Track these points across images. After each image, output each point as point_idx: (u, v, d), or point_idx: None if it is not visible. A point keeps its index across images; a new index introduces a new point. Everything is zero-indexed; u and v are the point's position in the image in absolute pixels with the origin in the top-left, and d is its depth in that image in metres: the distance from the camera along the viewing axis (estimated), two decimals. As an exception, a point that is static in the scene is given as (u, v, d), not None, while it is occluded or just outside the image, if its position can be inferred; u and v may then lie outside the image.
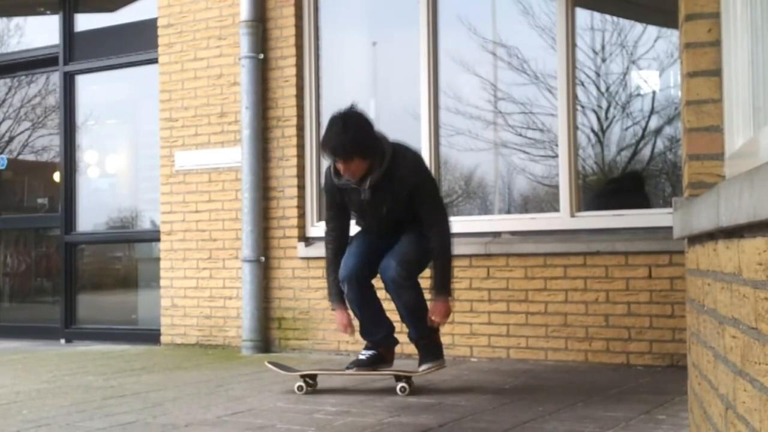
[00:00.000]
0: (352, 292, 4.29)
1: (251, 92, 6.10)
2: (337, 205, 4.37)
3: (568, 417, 3.50)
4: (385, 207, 4.22)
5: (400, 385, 4.16)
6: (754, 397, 1.42)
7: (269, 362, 4.54)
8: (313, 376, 4.34)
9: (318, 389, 4.32)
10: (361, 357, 4.39)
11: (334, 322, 4.54)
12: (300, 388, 4.24)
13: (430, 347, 4.33)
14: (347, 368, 4.39)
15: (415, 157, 4.35)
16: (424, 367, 4.27)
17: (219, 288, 6.35)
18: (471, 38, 5.78)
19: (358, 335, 4.44)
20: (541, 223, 5.37)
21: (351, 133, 4.04)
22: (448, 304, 4.23)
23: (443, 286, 4.20)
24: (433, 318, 4.21)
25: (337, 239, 4.42)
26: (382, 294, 4.37)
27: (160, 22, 6.66)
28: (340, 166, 4.14)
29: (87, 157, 7.61)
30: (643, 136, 5.50)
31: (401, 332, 4.45)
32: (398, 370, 4.31)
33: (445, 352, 4.44)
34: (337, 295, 4.35)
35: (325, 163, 6.09)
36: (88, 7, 7.59)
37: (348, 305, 4.37)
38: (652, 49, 5.37)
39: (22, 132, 8.31)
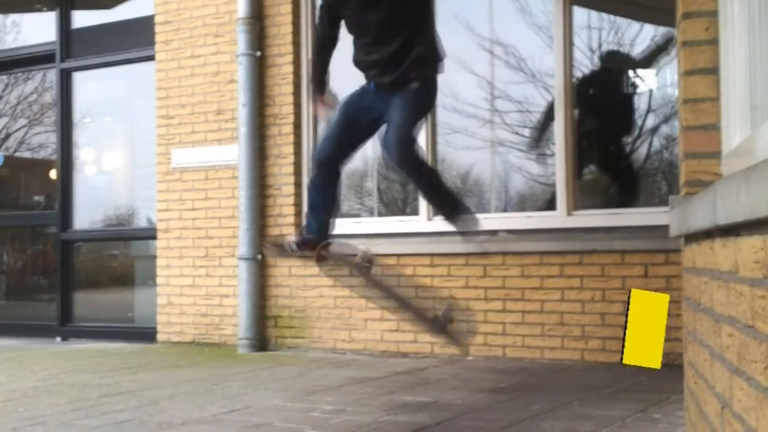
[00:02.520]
0: (318, 179, 4.45)
1: (248, 90, 6.09)
2: (325, 18, 4.48)
3: (564, 415, 3.50)
4: (381, 9, 4.20)
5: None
6: (750, 396, 1.42)
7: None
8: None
9: (315, 389, 4.32)
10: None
11: (330, 320, 4.54)
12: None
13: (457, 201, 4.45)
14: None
15: None
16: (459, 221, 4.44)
17: (215, 286, 6.35)
18: (468, 36, 5.78)
19: (355, 335, 4.43)
20: (538, 222, 5.37)
21: None
22: None
23: None
24: None
25: (324, 39, 4.54)
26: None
27: (157, 19, 6.65)
28: None
29: (84, 154, 7.60)
30: (639, 135, 5.51)
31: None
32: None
33: (441, 350, 4.43)
34: (317, 81, 4.52)
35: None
36: (85, 4, 7.57)
37: (311, 186, 4.53)
38: (649, 47, 5.38)
39: (18, 129, 8.30)
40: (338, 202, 4.62)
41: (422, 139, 5.67)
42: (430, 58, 4.39)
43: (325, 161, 4.40)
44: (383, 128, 4.27)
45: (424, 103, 4.41)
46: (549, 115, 5.44)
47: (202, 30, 6.45)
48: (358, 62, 4.45)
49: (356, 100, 4.43)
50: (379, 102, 4.29)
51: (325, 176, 4.42)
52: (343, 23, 4.43)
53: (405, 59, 4.24)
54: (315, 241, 4.47)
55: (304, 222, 4.63)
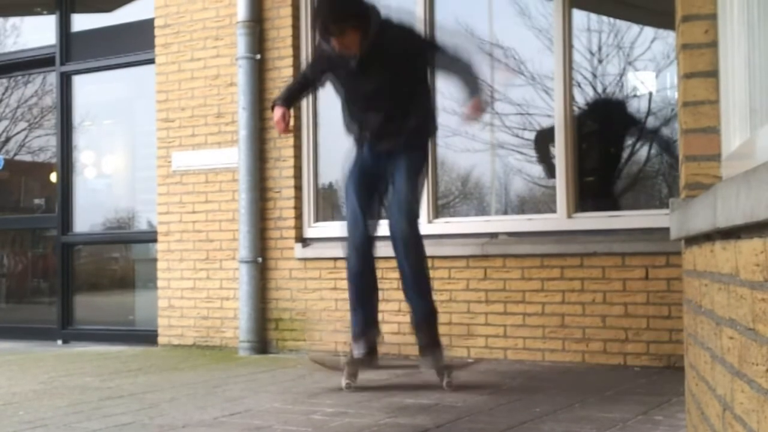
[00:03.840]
0: (357, 265, 4.31)
1: (248, 93, 6.09)
2: (313, 71, 4.49)
3: (565, 418, 3.50)
4: (372, 79, 4.20)
5: (446, 380, 4.19)
6: (751, 398, 1.42)
7: (311, 358, 4.59)
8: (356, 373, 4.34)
9: (316, 391, 4.32)
10: (359, 355, 4.37)
11: (331, 322, 4.55)
12: (348, 386, 4.24)
13: (435, 344, 4.33)
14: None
15: (403, 25, 4.36)
16: (428, 366, 4.32)
17: (216, 289, 6.35)
18: (468, 39, 5.78)
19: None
20: (538, 224, 5.38)
21: (340, 7, 4.10)
22: (481, 98, 4.19)
23: (475, 88, 4.18)
24: (470, 112, 4.16)
25: (302, 81, 4.58)
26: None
27: (156, 23, 6.66)
28: (335, 44, 4.14)
29: (84, 157, 7.60)
30: (639, 138, 5.51)
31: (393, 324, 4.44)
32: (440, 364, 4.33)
33: (442, 348, 4.41)
34: (283, 99, 4.47)
35: (322, 164, 6.11)
36: (84, 8, 7.58)
37: (349, 278, 4.38)
38: (649, 50, 5.38)
39: (18, 132, 8.30)
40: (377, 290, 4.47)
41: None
42: (425, 127, 4.40)
43: (360, 240, 4.28)
44: (389, 195, 4.27)
45: (421, 165, 4.40)
46: (542, 142, 5.52)
47: (202, 33, 6.45)
48: (350, 128, 4.47)
49: (356, 165, 4.42)
50: (378, 159, 4.30)
51: (362, 261, 4.30)
52: (332, 80, 4.46)
53: (399, 130, 4.23)
54: (368, 342, 4.36)
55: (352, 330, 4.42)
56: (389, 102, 4.24)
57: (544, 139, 5.54)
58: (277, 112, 4.42)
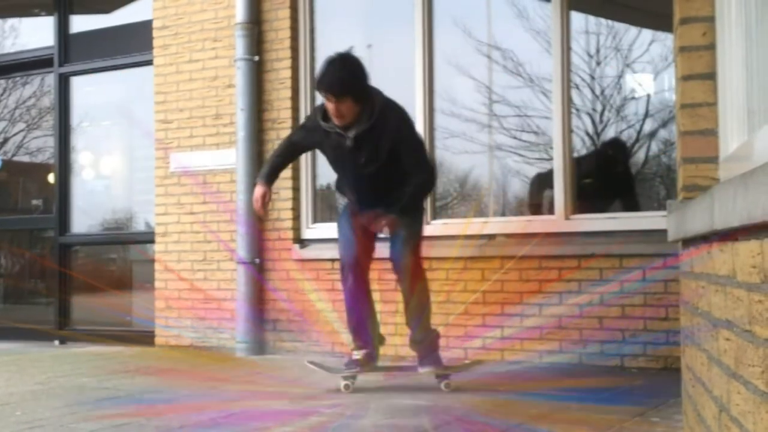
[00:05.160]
0: (354, 284, 4.34)
1: (246, 94, 6.09)
2: (305, 138, 4.51)
3: (561, 419, 3.50)
4: (364, 157, 4.22)
5: (444, 382, 4.27)
6: (747, 400, 1.43)
7: (309, 362, 4.59)
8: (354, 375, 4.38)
9: (313, 393, 4.32)
10: (357, 357, 4.41)
11: (329, 323, 4.56)
12: (346, 386, 4.27)
13: (434, 354, 4.39)
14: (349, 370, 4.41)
15: (403, 114, 4.38)
16: (426, 369, 4.34)
17: (213, 290, 6.35)
18: (466, 41, 5.79)
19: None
20: (536, 226, 5.38)
21: (347, 72, 4.14)
22: (396, 219, 4.18)
23: (404, 207, 4.19)
24: (376, 221, 4.18)
25: (288, 151, 4.59)
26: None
27: (155, 24, 6.66)
28: (331, 107, 4.15)
29: (82, 158, 7.60)
30: (637, 139, 5.52)
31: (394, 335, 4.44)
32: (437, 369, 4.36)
33: (440, 354, 4.45)
34: (266, 175, 4.48)
35: (320, 165, 6.11)
36: (83, 9, 7.58)
37: (345, 297, 4.40)
38: (647, 52, 5.39)
39: (16, 133, 8.29)
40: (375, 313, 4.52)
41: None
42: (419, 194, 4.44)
43: (355, 260, 4.32)
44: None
45: (418, 218, 4.43)
46: (537, 186, 5.56)
47: (201, 35, 6.45)
48: (341, 190, 4.53)
49: (349, 210, 4.43)
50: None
51: (358, 281, 4.33)
52: (322, 150, 4.51)
53: (391, 202, 4.23)
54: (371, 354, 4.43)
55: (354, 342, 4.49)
56: (381, 180, 4.25)
57: (540, 184, 5.62)
58: (258, 191, 4.45)
